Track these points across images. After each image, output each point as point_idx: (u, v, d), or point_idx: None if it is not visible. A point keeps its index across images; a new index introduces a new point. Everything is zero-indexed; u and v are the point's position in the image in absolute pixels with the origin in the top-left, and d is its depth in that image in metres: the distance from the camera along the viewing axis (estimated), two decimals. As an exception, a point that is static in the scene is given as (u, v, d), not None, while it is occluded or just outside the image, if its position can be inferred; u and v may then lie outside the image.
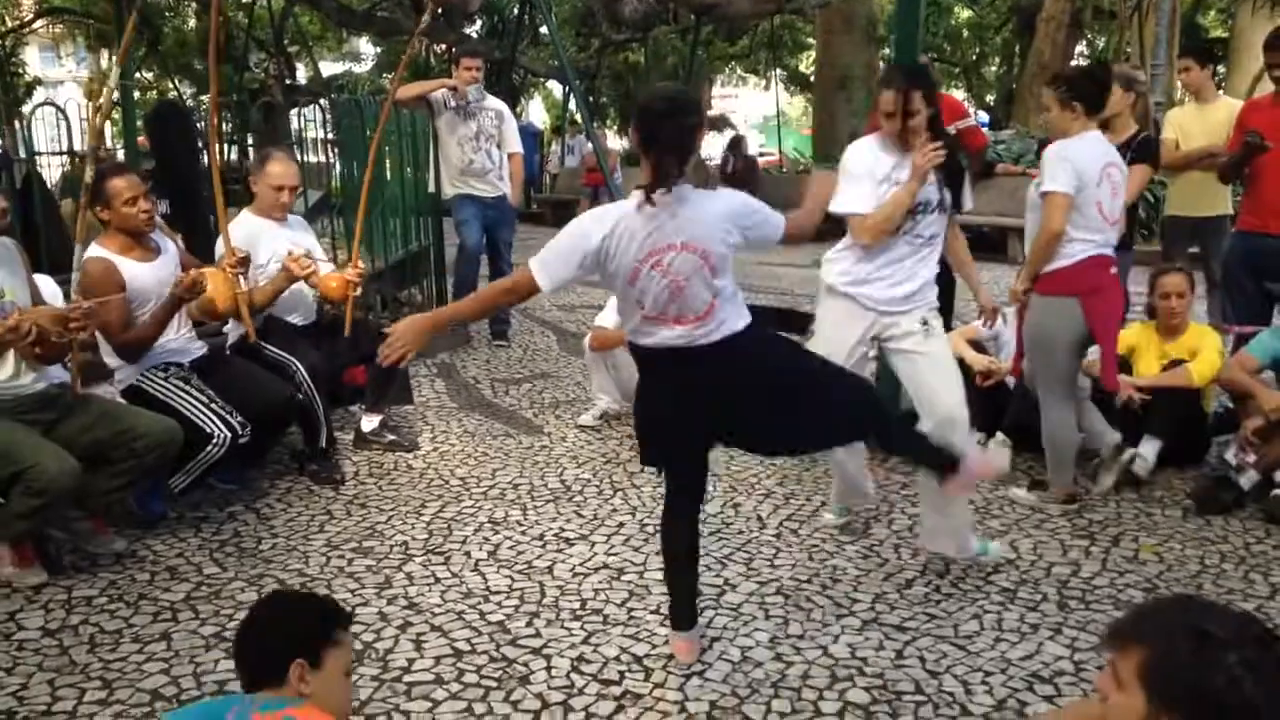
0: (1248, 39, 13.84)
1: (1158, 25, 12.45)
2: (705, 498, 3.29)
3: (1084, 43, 20.87)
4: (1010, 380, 4.83)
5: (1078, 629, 3.32)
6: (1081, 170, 4.02)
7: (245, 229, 4.69)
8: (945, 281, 6.47)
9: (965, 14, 22.46)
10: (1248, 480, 4.26)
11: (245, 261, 4.41)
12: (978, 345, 5.00)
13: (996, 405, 4.79)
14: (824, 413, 3.02)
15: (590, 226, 2.88)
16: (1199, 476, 4.61)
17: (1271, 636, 1.63)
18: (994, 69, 25.15)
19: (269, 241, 4.71)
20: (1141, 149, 5.57)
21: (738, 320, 2.96)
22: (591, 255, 2.86)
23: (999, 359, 4.94)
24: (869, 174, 3.68)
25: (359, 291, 4.87)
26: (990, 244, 11.42)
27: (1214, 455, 4.77)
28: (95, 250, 4.08)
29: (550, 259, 2.88)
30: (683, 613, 3.19)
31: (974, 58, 24.92)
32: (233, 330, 4.76)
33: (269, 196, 4.78)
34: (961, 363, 4.91)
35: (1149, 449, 4.56)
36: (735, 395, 2.96)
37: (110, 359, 4.17)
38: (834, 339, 3.74)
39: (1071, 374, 4.27)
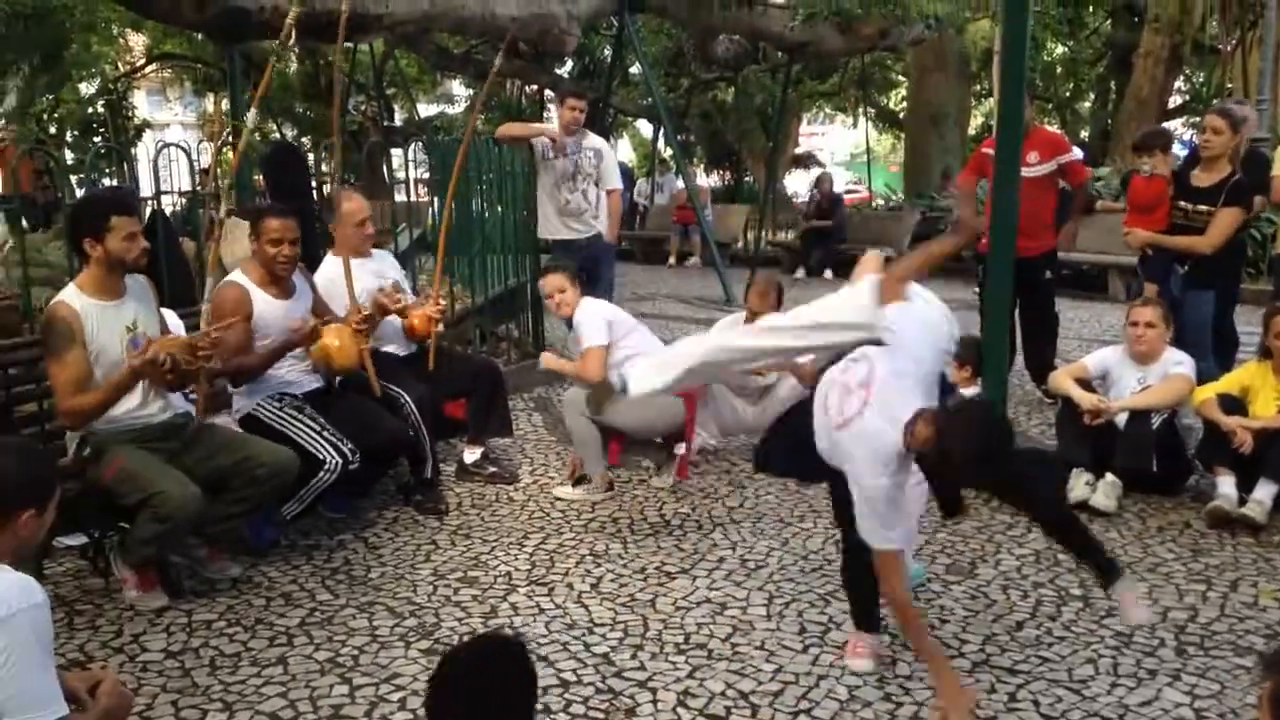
0: (1358, 72, 13.43)
1: (1262, 59, 12.19)
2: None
3: (1183, 78, 20.47)
4: (1120, 419, 4.73)
5: (1197, 675, 3.23)
6: None
7: (328, 273, 4.82)
8: (1049, 322, 6.45)
9: (1059, 49, 22.18)
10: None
11: (370, 319, 4.49)
12: (1086, 384, 4.91)
13: (1105, 444, 4.70)
14: None
15: None
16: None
17: None
18: (1089, 105, 24.75)
19: (356, 278, 4.78)
20: (1236, 191, 5.46)
21: None
22: None
23: (1107, 398, 4.84)
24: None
25: (441, 327, 4.98)
26: (1091, 282, 11.22)
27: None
28: (236, 275, 4.27)
29: None
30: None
31: (1068, 93, 24.57)
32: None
33: (355, 234, 4.88)
34: (1068, 401, 4.85)
35: (1265, 492, 4.43)
36: None
37: (231, 387, 4.32)
38: None
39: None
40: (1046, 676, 3.23)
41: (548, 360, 5.31)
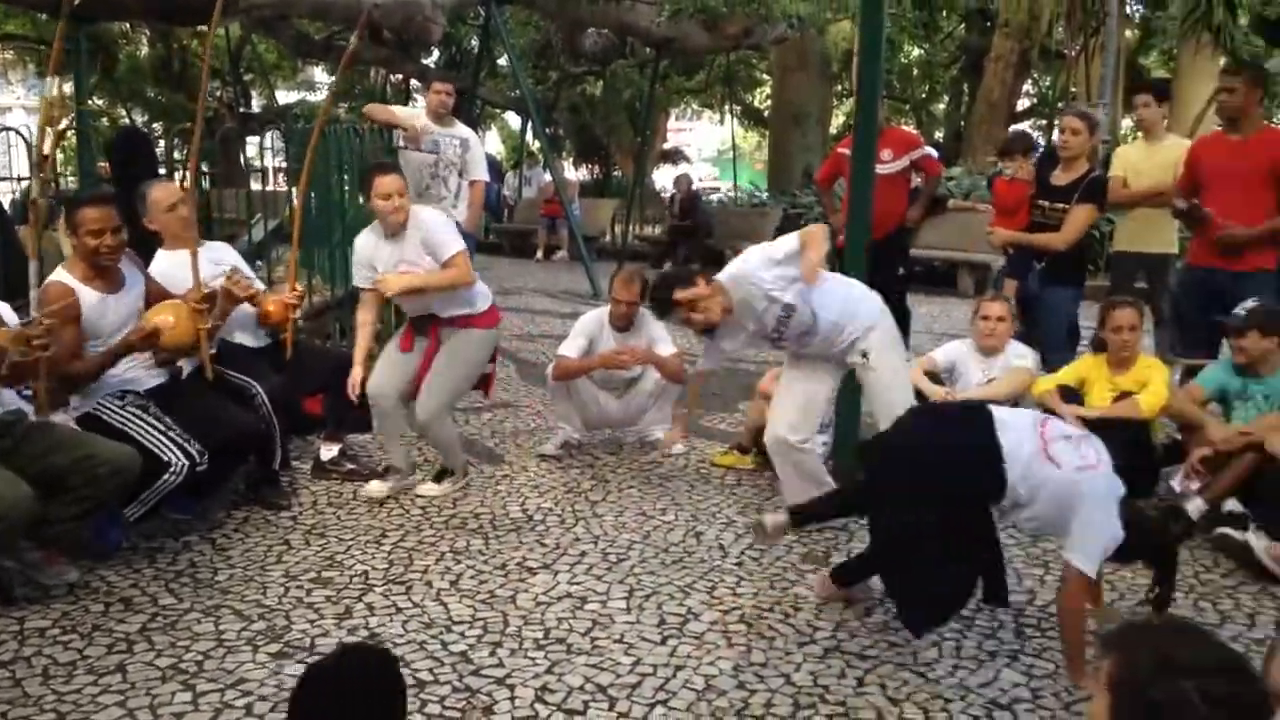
0: (1189, 79, 14.22)
1: (1103, 65, 12.81)
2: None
3: (1030, 82, 21.33)
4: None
5: (1034, 656, 3.37)
6: None
7: (163, 266, 4.59)
8: (900, 317, 6.65)
9: (916, 51, 22.86)
10: (1195, 509, 4.34)
11: (211, 298, 4.31)
12: (934, 377, 5.07)
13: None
14: None
15: None
16: (1148, 507, 4.68)
17: (1239, 669, 1.65)
18: (943, 107, 25.58)
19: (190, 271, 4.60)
20: (1090, 189, 5.71)
21: None
22: None
23: (955, 390, 5.01)
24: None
25: (298, 314, 4.86)
26: (941, 278, 11.62)
27: (1163, 487, 4.86)
28: (59, 274, 4.04)
29: None
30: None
31: (924, 95, 25.34)
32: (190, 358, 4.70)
33: (171, 222, 4.65)
34: (919, 393, 4.99)
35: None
36: None
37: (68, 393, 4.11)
38: None
39: None
40: (893, 660, 3.33)
41: (392, 281, 4.60)
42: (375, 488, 4.80)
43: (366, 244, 4.76)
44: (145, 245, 4.72)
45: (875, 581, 3.68)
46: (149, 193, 4.70)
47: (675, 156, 28.08)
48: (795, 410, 4.29)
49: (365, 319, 4.80)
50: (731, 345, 4.36)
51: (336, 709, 1.94)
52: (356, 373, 4.74)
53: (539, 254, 15.96)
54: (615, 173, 23.87)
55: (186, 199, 4.74)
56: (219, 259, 4.86)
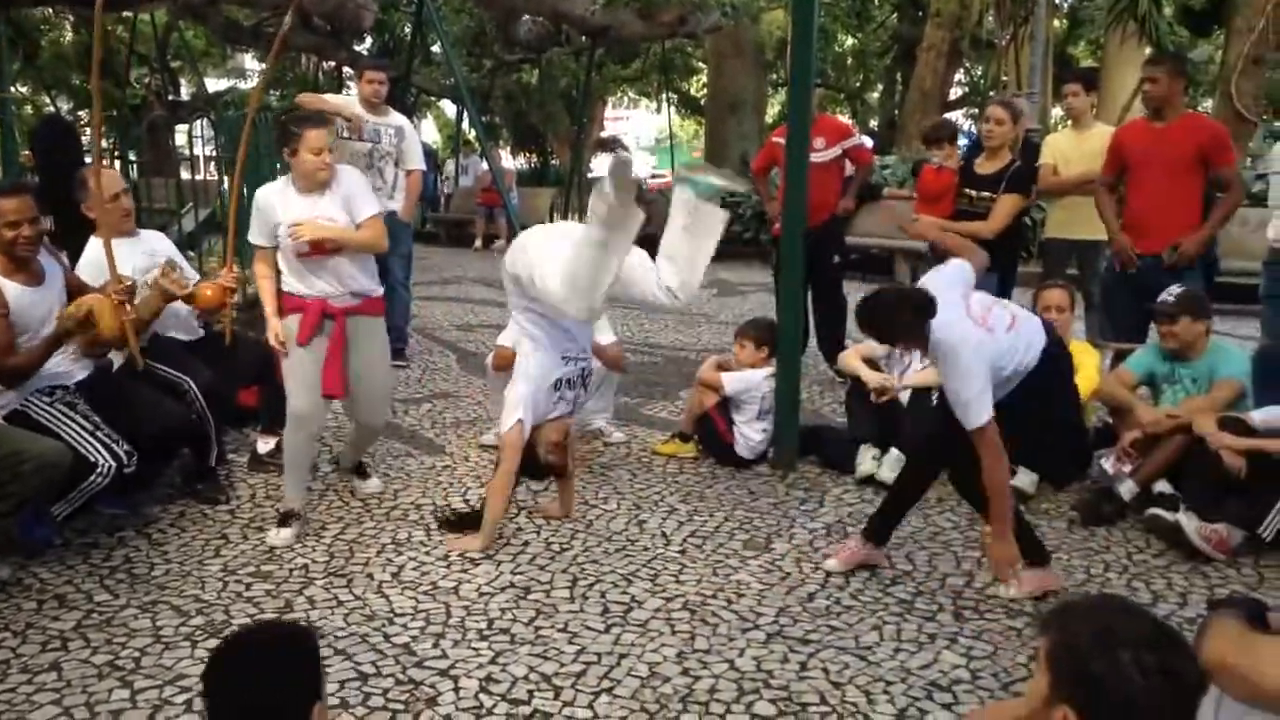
0: (1116, 68, 14.51)
1: (1032, 55, 13.03)
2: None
3: (962, 70, 21.62)
4: (904, 396, 4.97)
5: (973, 638, 3.43)
6: None
7: (95, 253, 4.43)
8: (838, 304, 6.72)
9: (850, 41, 23.06)
10: (1127, 490, 4.45)
11: (131, 290, 4.20)
12: (872, 363, 5.13)
13: (891, 421, 4.92)
14: None
15: None
16: (1082, 489, 4.80)
17: (1174, 643, 1.70)
18: (877, 95, 25.83)
19: (125, 259, 4.39)
20: (1015, 179, 5.82)
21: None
22: None
23: (893, 376, 5.07)
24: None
25: (235, 298, 4.76)
26: (877, 264, 11.73)
27: (1095, 469, 4.97)
28: None
29: None
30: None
31: (858, 84, 25.57)
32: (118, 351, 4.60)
33: (110, 211, 4.49)
34: (857, 380, 5.06)
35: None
36: None
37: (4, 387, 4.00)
38: None
39: None
40: (835, 644, 3.37)
41: (309, 229, 4.15)
42: (283, 536, 4.22)
43: (272, 195, 4.27)
44: (76, 233, 4.61)
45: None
46: (88, 179, 4.57)
47: (613, 145, 28.01)
48: (640, 274, 4.42)
49: (266, 272, 4.39)
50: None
51: (248, 680, 1.95)
52: (275, 324, 4.33)
53: (477, 243, 15.86)
54: (553, 161, 23.78)
55: (128, 189, 4.64)
56: (153, 249, 4.77)
